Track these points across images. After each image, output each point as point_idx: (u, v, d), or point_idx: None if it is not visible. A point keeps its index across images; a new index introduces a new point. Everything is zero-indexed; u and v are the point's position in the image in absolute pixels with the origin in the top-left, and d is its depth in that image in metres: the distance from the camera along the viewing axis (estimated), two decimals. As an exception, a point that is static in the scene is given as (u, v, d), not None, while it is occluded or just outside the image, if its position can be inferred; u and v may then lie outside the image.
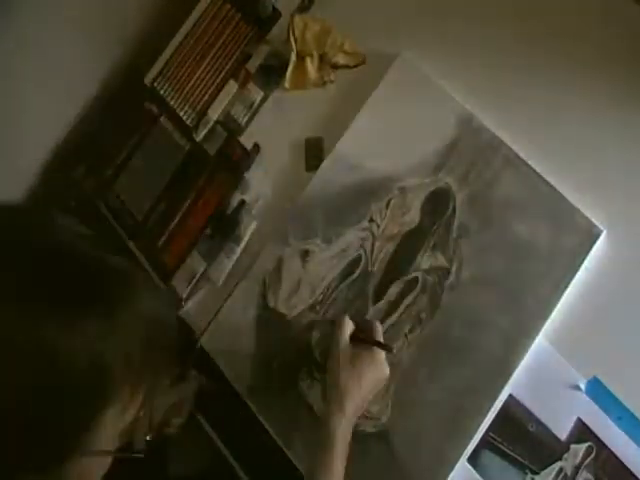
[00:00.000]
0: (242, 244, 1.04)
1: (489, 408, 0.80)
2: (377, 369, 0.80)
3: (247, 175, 1.07)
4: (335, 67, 1.02)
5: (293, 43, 1.02)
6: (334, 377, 0.80)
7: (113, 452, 0.54)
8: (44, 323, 0.46)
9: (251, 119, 1.09)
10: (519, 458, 0.78)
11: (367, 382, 0.79)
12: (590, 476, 0.75)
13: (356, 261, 0.92)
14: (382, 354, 0.81)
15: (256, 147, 1.07)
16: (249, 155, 1.07)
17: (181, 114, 1.16)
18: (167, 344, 0.55)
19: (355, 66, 1.01)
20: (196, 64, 1.16)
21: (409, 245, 0.89)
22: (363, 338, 0.82)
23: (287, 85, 1.05)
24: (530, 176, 0.84)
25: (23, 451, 0.47)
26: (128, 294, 0.51)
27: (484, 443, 0.80)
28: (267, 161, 1.06)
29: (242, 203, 1.06)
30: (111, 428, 0.52)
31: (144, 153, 1.19)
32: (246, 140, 1.09)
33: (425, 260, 0.88)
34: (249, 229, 1.04)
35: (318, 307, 0.93)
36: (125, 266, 0.53)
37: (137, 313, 0.51)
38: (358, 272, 0.92)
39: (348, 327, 0.83)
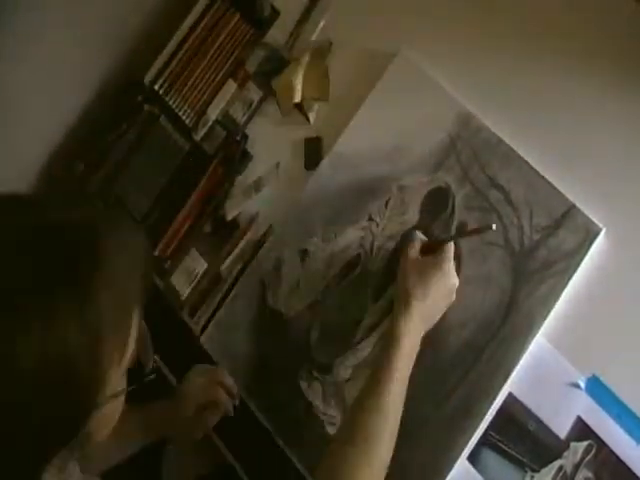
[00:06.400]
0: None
1: (489, 407, 0.80)
2: (444, 278, 0.79)
3: (246, 174, 1.07)
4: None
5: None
6: (401, 286, 0.80)
7: (124, 390, 0.56)
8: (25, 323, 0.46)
9: (250, 119, 1.09)
10: (519, 456, 0.78)
11: (433, 290, 0.79)
12: (590, 474, 0.75)
13: (355, 260, 0.92)
14: (449, 264, 0.80)
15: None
16: (247, 154, 1.08)
17: (180, 114, 1.16)
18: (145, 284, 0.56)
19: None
20: (195, 64, 1.16)
21: (408, 244, 0.89)
22: (433, 246, 0.82)
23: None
24: (529, 175, 0.84)
25: (40, 441, 0.49)
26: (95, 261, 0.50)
27: (484, 442, 0.80)
28: (266, 161, 1.07)
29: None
30: (115, 378, 0.53)
31: (144, 153, 1.19)
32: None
33: (424, 259, 0.87)
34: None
35: (318, 307, 0.93)
36: (90, 220, 0.52)
37: (110, 276, 0.50)
38: (357, 271, 0.92)
39: (418, 240, 0.84)
